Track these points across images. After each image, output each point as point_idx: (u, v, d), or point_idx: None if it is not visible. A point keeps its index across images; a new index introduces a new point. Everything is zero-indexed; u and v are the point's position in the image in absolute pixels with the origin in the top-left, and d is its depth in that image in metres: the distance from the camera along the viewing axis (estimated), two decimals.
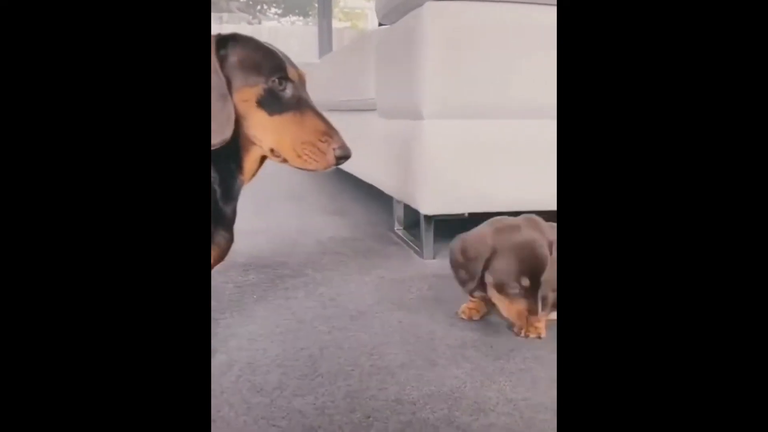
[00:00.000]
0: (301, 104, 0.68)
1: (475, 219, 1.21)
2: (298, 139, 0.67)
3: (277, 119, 0.67)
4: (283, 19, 8.47)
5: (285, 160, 0.69)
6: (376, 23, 1.56)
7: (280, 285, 1.03)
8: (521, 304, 0.76)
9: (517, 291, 0.76)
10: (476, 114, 1.13)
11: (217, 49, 0.65)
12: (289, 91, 0.68)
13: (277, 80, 0.66)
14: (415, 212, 1.23)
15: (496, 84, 1.11)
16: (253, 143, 0.69)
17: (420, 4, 1.09)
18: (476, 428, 0.57)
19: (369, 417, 0.59)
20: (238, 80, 0.66)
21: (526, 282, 0.75)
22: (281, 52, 0.70)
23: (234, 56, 0.66)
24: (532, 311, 0.76)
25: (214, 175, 0.69)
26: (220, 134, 0.64)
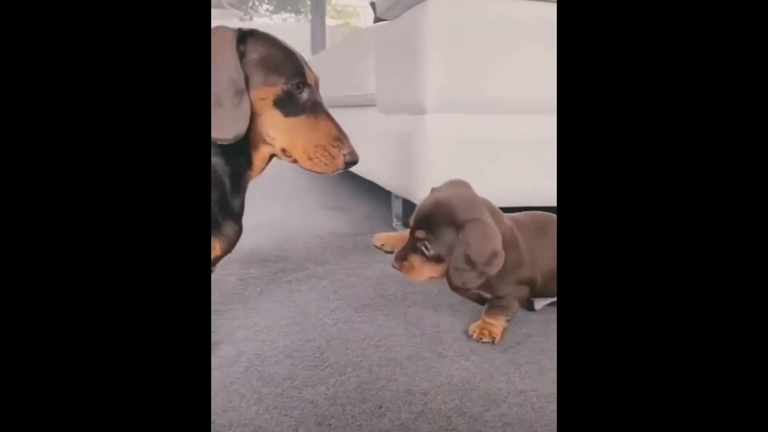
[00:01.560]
0: (316, 108, 0.69)
1: None
2: (311, 142, 0.68)
3: (291, 121, 0.68)
4: (275, 16, 8.42)
5: (295, 161, 0.70)
6: (369, 21, 1.56)
7: (282, 278, 1.03)
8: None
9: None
10: (478, 109, 1.14)
11: (237, 44, 0.65)
12: (305, 95, 0.68)
13: (296, 84, 0.66)
14: (414, 208, 1.23)
15: (499, 79, 1.12)
16: (265, 141, 0.69)
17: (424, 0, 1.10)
18: (488, 418, 0.57)
19: (381, 407, 0.59)
20: (257, 78, 0.66)
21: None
22: (299, 54, 0.70)
23: (254, 53, 0.66)
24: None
25: (224, 168, 0.69)
26: (234, 129, 0.64)
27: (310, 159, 0.68)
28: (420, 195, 1.17)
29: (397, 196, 1.47)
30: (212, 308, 0.87)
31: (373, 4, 2.90)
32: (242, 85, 0.64)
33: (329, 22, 5.17)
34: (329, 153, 0.68)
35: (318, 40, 4.82)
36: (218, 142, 0.64)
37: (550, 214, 0.84)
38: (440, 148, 1.14)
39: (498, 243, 0.69)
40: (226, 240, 0.71)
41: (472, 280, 0.69)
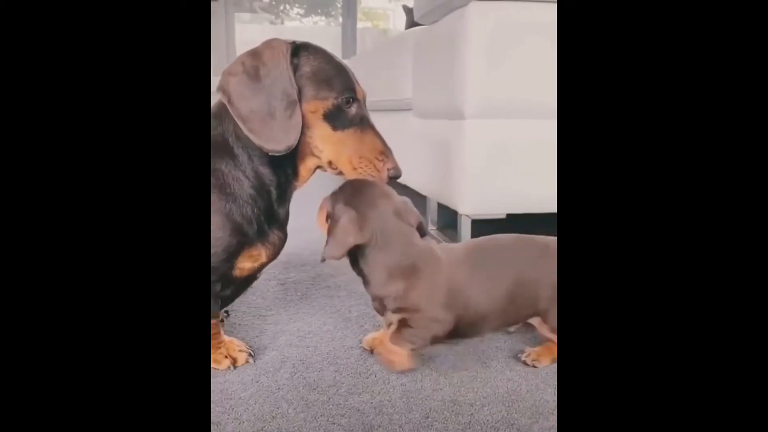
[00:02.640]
0: (363, 122, 0.70)
1: (513, 219, 1.21)
2: (356, 155, 0.69)
3: (339, 134, 0.69)
4: (305, 19, 8.49)
5: (341, 173, 0.71)
6: (398, 24, 1.56)
7: (321, 283, 1.04)
8: None
9: None
10: (518, 114, 1.12)
11: (291, 57, 0.66)
12: (354, 109, 0.69)
13: (346, 98, 0.67)
14: (449, 213, 1.23)
15: (538, 84, 1.10)
16: (313, 153, 0.70)
17: (464, 4, 1.09)
18: (537, 431, 0.57)
19: (428, 417, 0.59)
20: (309, 91, 0.67)
21: None
22: (349, 68, 0.71)
23: (307, 67, 0.67)
24: None
25: (271, 178, 0.70)
26: (285, 141, 0.65)
27: (355, 170, 0.69)
28: (457, 200, 1.17)
29: (431, 202, 1.47)
30: (255, 313, 0.88)
31: (406, 8, 2.90)
32: (295, 97, 0.65)
33: (357, 24, 5.18)
34: (374, 166, 0.69)
35: (349, 44, 4.85)
36: (270, 153, 0.65)
37: (525, 242, 0.74)
38: (478, 154, 1.13)
39: (351, 238, 0.68)
40: (272, 247, 0.72)
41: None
